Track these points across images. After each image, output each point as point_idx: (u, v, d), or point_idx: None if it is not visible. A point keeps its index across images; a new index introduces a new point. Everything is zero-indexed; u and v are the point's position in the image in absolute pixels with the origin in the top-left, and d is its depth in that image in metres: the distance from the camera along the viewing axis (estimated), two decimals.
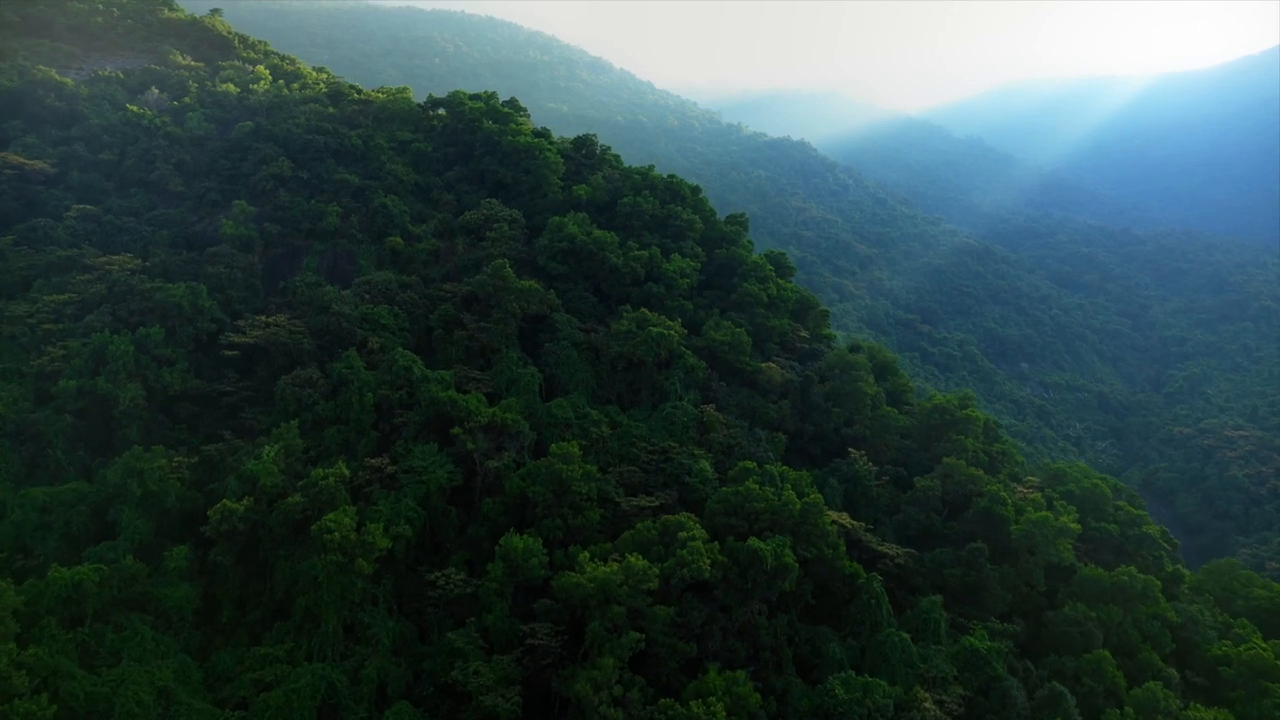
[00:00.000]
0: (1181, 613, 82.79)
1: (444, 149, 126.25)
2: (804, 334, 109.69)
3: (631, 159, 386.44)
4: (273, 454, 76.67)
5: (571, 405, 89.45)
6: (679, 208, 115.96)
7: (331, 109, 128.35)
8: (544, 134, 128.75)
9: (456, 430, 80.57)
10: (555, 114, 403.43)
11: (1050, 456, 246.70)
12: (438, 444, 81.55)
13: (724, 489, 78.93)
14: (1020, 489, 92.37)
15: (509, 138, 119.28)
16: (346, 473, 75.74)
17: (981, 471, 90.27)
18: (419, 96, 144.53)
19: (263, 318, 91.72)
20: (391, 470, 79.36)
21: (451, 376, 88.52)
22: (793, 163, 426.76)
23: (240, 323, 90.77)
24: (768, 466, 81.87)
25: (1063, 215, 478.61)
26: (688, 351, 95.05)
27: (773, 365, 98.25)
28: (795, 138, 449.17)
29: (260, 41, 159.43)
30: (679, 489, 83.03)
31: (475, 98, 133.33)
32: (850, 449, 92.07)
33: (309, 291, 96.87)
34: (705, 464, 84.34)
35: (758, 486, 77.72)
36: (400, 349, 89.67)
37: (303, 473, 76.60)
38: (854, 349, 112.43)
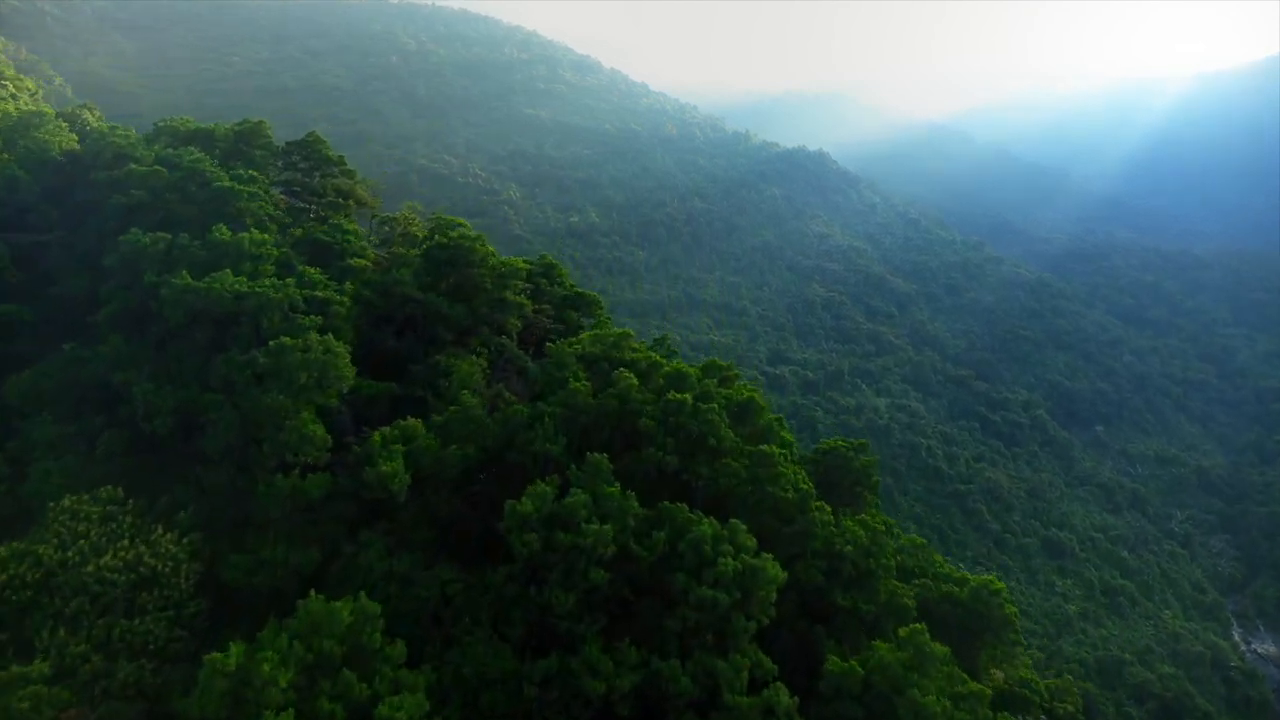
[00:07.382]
0: None
1: None
2: None
3: (624, 174, 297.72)
4: None
5: None
6: (704, 525, 32.78)
7: None
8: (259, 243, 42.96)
9: None
10: (533, 121, 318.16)
11: (1159, 565, 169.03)
12: None
13: None
14: None
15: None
16: None
17: None
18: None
19: None
20: None
21: None
22: (809, 177, 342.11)
23: None
24: None
25: (1106, 232, 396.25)
26: None
27: None
28: (806, 145, 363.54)
29: None
30: None
31: None
32: None
33: None
34: None
35: None
36: None
37: None
38: None
